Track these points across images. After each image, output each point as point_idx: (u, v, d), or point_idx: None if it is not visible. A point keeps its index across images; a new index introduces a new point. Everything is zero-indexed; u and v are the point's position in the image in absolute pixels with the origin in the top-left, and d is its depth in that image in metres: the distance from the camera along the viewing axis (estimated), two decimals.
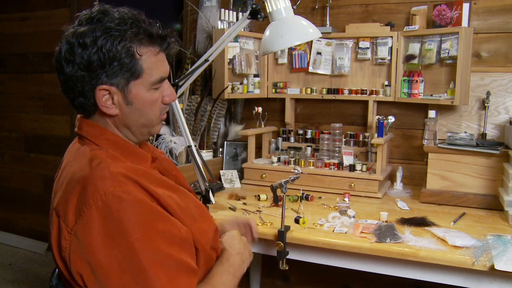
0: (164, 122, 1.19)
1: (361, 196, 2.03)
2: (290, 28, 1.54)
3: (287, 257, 1.51)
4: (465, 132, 2.06)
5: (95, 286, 0.90)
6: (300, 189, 1.93)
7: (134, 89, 1.02)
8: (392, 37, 2.20)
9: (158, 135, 2.24)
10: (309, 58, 2.40)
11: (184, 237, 0.99)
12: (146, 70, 1.02)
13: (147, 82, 1.03)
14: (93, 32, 0.97)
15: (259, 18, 1.68)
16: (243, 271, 1.19)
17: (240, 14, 2.40)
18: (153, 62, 1.03)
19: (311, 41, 2.35)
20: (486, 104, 2.09)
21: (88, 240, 0.90)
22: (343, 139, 2.28)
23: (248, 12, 1.69)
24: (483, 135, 2.09)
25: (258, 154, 2.44)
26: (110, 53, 0.97)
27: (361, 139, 2.29)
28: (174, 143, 2.24)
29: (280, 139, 2.44)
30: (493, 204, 1.84)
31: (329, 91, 2.37)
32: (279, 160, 2.27)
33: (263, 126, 2.44)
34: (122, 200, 0.91)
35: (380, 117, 2.10)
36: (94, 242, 0.89)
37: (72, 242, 0.91)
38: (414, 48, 2.15)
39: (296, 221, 1.61)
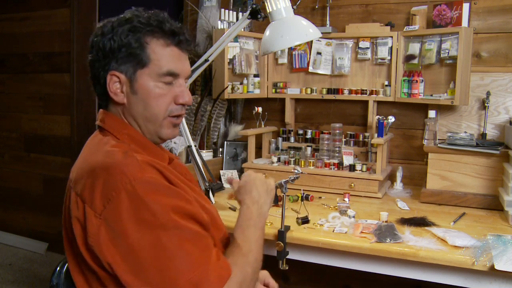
0: (183, 113, 1.15)
1: (361, 196, 2.03)
2: (290, 28, 1.54)
3: (287, 257, 1.51)
4: (465, 132, 2.06)
5: (126, 270, 0.90)
6: (300, 189, 1.92)
7: (141, 79, 1.05)
8: (392, 37, 2.20)
9: None
10: (309, 58, 2.40)
11: (207, 221, 1.02)
12: (154, 60, 1.05)
13: (154, 73, 1.06)
14: (112, 23, 1.06)
15: (259, 18, 1.68)
16: (265, 217, 1.21)
17: (240, 14, 2.40)
18: (162, 53, 1.06)
19: (311, 41, 2.35)
20: (486, 104, 2.09)
21: (119, 224, 0.91)
22: (343, 139, 2.28)
23: (248, 12, 1.69)
24: (483, 135, 2.09)
25: (258, 154, 2.44)
26: (120, 40, 1.03)
27: (361, 139, 2.29)
28: (174, 143, 2.24)
29: (280, 139, 2.44)
30: (493, 204, 1.84)
31: (329, 91, 2.37)
32: (279, 160, 2.27)
33: (263, 126, 2.44)
34: (151, 184, 0.94)
35: (380, 117, 2.10)
36: (126, 226, 0.90)
37: (101, 227, 0.92)
38: (414, 48, 2.15)
39: (305, 222, 1.61)
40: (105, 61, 1.05)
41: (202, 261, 0.93)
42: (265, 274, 1.39)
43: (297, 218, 1.62)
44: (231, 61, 2.35)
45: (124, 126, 1.09)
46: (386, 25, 2.25)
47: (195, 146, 1.91)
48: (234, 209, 1.82)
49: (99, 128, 1.13)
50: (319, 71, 2.40)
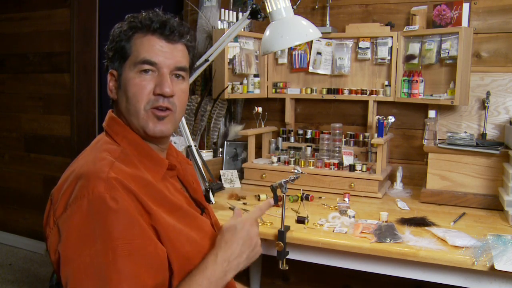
0: (164, 104, 1.08)
1: (361, 196, 2.03)
2: (290, 28, 1.54)
3: (287, 257, 1.51)
4: (465, 132, 2.06)
5: (63, 277, 0.90)
6: (300, 189, 1.93)
7: (124, 73, 1.08)
8: (392, 37, 2.20)
9: None
10: (309, 58, 2.40)
11: (158, 257, 0.94)
12: (134, 51, 1.06)
13: (132, 63, 1.06)
14: (118, 27, 1.11)
15: (259, 18, 1.68)
16: (233, 273, 1.05)
17: (240, 14, 2.40)
18: (140, 42, 1.06)
19: (311, 41, 2.35)
20: (486, 104, 2.09)
21: (65, 233, 0.90)
22: (343, 139, 2.28)
23: (248, 12, 1.69)
24: (483, 135, 2.09)
25: (258, 154, 2.44)
26: (113, 39, 1.09)
27: (361, 139, 2.29)
28: (174, 143, 2.24)
29: (280, 139, 2.44)
30: (493, 204, 1.84)
31: (329, 91, 2.37)
32: (279, 160, 2.27)
33: (263, 126, 2.44)
34: (107, 206, 0.90)
35: (380, 117, 2.10)
36: (70, 236, 0.89)
37: (52, 232, 0.93)
38: (414, 48, 2.15)
39: (300, 222, 1.61)
40: (106, 61, 1.13)
41: None
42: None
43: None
44: (231, 61, 2.35)
45: (123, 128, 1.08)
46: (386, 25, 2.25)
47: (195, 146, 1.91)
48: (234, 209, 1.82)
49: (105, 130, 1.13)
50: (319, 71, 2.39)
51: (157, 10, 1.11)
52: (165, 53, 1.07)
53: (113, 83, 1.10)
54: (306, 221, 1.61)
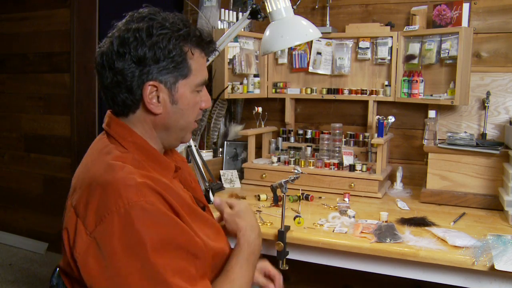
0: (204, 119, 1.19)
1: (361, 196, 2.03)
2: (290, 28, 1.55)
3: (287, 257, 1.51)
4: (465, 132, 2.06)
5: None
6: (299, 189, 1.93)
7: (181, 89, 1.05)
8: (392, 37, 2.20)
9: None
10: (309, 58, 2.40)
11: (200, 249, 0.99)
12: (194, 71, 1.05)
13: (193, 83, 1.06)
14: (149, 29, 0.99)
15: (259, 18, 1.68)
16: (257, 258, 1.19)
17: (240, 14, 2.40)
18: (199, 64, 1.07)
19: (311, 41, 2.35)
20: (486, 104, 2.09)
21: (108, 247, 0.89)
22: (343, 139, 2.28)
23: (248, 12, 1.69)
24: (483, 135, 2.09)
25: (258, 154, 2.44)
26: (165, 50, 1.00)
27: (361, 139, 2.29)
28: None
29: (280, 139, 2.44)
30: (493, 204, 1.84)
31: (329, 91, 2.37)
32: (279, 160, 2.27)
33: (263, 126, 2.44)
34: (145, 211, 0.90)
35: (380, 117, 2.10)
36: (114, 250, 0.88)
37: (90, 246, 0.90)
38: (414, 48, 2.15)
39: (294, 218, 1.62)
40: (143, 70, 1.00)
41: None
42: (265, 264, 1.36)
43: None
44: (231, 61, 2.35)
45: (130, 133, 1.06)
46: (386, 25, 2.25)
47: (195, 146, 1.91)
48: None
49: (105, 132, 1.10)
50: (319, 71, 2.39)
51: (189, 20, 1.11)
52: (206, 69, 1.12)
53: (156, 97, 1.03)
54: (297, 217, 1.60)
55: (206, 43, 1.08)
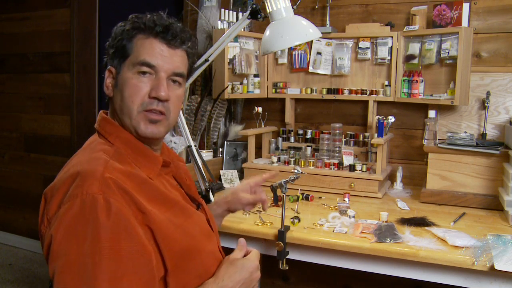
0: (158, 108, 1.08)
1: (361, 196, 2.03)
2: (290, 28, 1.54)
3: (287, 257, 1.51)
4: (465, 132, 2.06)
5: (50, 273, 0.91)
6: (299, 189, 1.92)
7: (123, 71, 1.08)
8: (392, 37, 2.20)
9: None
10: (309, 58, 2.40)
11: (145, 264, 0.93)
12: (134, 52, 1.07)
13: (131, 63, 1.06)
14: (121, 25, 1.10)
15: (259, 18, 1.68)
16: None
17: (240, 14, 2.40)
18: (141, 44, 1.06)
19: (311, 41, 2.35)
20: (486, 104, 2.09)
21: (55, 230, 0.90)
22: (343, 139, 2.28)
23: (248, 12, 1.69)
24: (483, 135, 2.09)
25: (258, 154, 2.44)
26: (115, 39, 1.09)
27: (361, 139, 2.29)
28: (174, 143, 2.24)
29: (280, 139, 2.44)
30: (493, 204, 1.84)
31: (329, 91, 2.37)
32: (279, 160, 2.27)
33: (263, 126, 2.44)
34: (99, 205, 0.90)
35: (380, 117, 2.10)
36: (59, 233, 0.90)
37: (47, 228, 0.94)
38: (414, 48, 2.15)
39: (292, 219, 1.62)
40: (106, 57, 1.12)
41: None
42: (247, 181, 1.44)
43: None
44: (231, 61, 2.35)
45: (116, 128, 1.08)
46: (386, 25, 2.25)
47: (195, 146, 1.91)
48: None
49: (97, 131, 1.13)
50: (319, 71, 2.39)
51: (162, 13, 1.11)
52: (165, 57, 1.07)
53: (111, 80, 1.10)
54: (294, 221, 1.61)
55: (150, 25, 1.06)
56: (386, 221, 1.63)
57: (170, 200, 1.06)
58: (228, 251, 1.20)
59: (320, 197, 2.01)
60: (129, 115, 1.06)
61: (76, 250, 0.88)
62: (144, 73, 1.05)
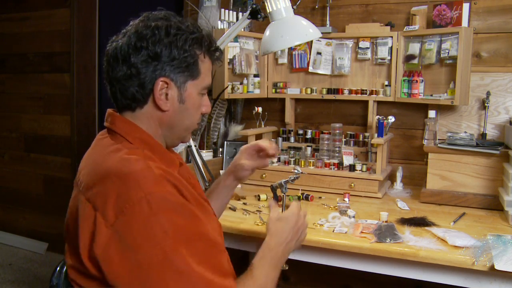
0: (204, 119, 1.24)
1: (361, 196, 2.03)
2: (290, 28, 1.54)
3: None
4: (465, 132, 2.06)
5: (131, 284, 0.89)
6: (299, 189, 1.92)
7: (189, 89, 1.08)
8: (392, 37, 2.20)
9: None
10: (309, 58, 2.40)
11: (220, 243, 1.02)
12: (202, 74, 1.09)
13: (200, 85, 1.10)
14: (168, 28, 1.04)
15: (259, 18, 1.68)
16: (284, 260, 1.21)
17: (240, 14, 2.40)
18: (207, 68, 1.11)
19: (311, 41, 2.35)
20: (486, 104, 2.09)
21: (130, 238, 0.89)
22: (343, 139, 2.28)
23: (248, 12, 1.69)
24: (483, 135, 2.09)
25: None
26: (180, 49, 1.04)
27: (361, 139, 2.29)
28: None
29: (280, 139, 2.44)
30: (493, 204, 1.84)
31: (329, 91, 2.37)
32: (279, 160, 2.27)
33: (263, 126, 2.44)
34: (166, 200, 0.92)
35: (380, 117, 2.10)
36: (136, 240, 0.89)
37: (112, 239, 0.90)
38: (414, 48, 2.15)
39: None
40: (157, 66, 1.03)
41: (209, 282, 0.92)
42: (248, 145, 1.44)
43: None
44: (231, 61, 2.35)
45: (136, 129, 1.07)
46: (386, 25, 2.25)
47: (195, 146, 1.91)
48: (234, 209, 1.83)
49: (108, 130, 1.10)
50: (319, 71, 2.39)
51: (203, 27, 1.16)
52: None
53: (171, 93, 1.06)
54: None
55: (214, 50, 1.12)
56: (386, 221, 1.63)
57: (198, 198, 1.08)
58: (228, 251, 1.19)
59: (320, 197, 2.01)
60: (188, 131, 1.14)
61: (161, 248, 0.89)
62: (203, 94, 1.13)
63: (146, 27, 1.04)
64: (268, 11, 1.58)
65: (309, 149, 2.32)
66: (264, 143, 1.41)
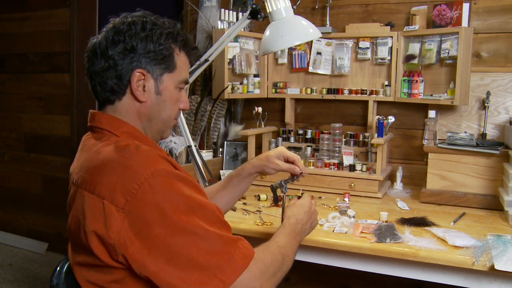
0: (181, 117, 1.26)
1: (361, 196, 2.03)
2: (290, 28, 1.54)
3: None
4: (465, 132, 2.06)
5: (154, 261, 0.91)
6: (299, 189, 1.92)
7: (166, 82, 1.11)
8: (392, 37, 2.20)
9: None
10: (309, 58, 2.40)
11: (221, 209, 1.05)
12: (178, 68, 1.12)
13: (176, 79, 1.12)
14: (144, 24, 1.08)
15: (259, 18, 1.68)
16: (303, 237, 1.26)
17: (240, 14, 2.40)
18: (183, 62, 1.14)
19: (311, 41, 2.35)
20: (486, 104, 2.09)
21: (143, 218, 0.91)
22: (343, 139, 2.28)
23: (248, 12, 1.69)
24: (483, 135, 2.09)
25: (258, 154, 2.43)
26: (156, 43, 1.07)
27: (361, 139, 2.29)
28: (174, 143, 2.24)
29: (280, 139, 2.43)
30: (493, 204, 1.84)
31: (329, 91, 2.37)
32: None
33: (263, 126, 2.44)
34: (171, 174, 0.96)
35: (380, 117, 2.10)
36: (151, 217, 0.91)
37: (125, 221, 0.91)
38: (414, 48, 2.15)
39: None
40: (134, 58, 1.07)
41: (227, 242, 0.95)
42: (281, 149, 1.49)
43: None
44: (231, 61, 2.35)
45: (122, 123, 1.09)
46: (386, 25, 2.25)
47: (195, 146, 1.91)
48: (234, 209, 1.83)
49: (91, 130, 1.14)
50: (319, 71, 2.39)
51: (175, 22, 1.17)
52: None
53: (142, 86, 1.08)
54: None
55: (191, 48, 1.17)
56: (386, 221, 1.63)
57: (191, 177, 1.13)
58: None
59: (320, 197, 2.01)
60: (167, 123, 1.15)
61: (180, 220, 0.92)
62: (181, 88, 1.15)
63: (123, 22, 1.09)
64: (268, 11, 1.58)
65: (309, 149, 2.32)
66: (301, 162, 1.48)
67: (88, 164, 1.03)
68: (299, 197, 1.92)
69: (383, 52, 2.23)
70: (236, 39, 2.32)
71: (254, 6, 1.67)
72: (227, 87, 2.29)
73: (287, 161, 1.47)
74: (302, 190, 1.97)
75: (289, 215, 1.26)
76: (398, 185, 2.14)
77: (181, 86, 1.15)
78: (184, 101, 1.18)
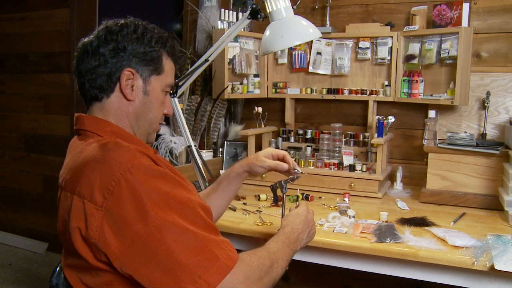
0: (164, 122, 1.28)
1: (361, 196, 2.03)
2: (290, 28, 1.54)
3: None
4: (465, 132, 2.06)
5: (132, 260, 0.90)
6: (298, 189, 1.92)
7: (153, 83, 1.13)
8: (392, 37, 2.20)
9: (158, 135, 2.24)
10: (309, 58, 2.40)
11: (207, 205, 1.04)
12: (165, 72, 1.15)
13: (164, 82, 1.15)
14: (136, 27, 1.12)
15: (259, 18, 1.68)
16: (299, 246, 1.24)
17: (240, 14, 2.40)
18: (170, 67, 1.18)
19: (311, 41, 2.35)
20: (486, 104, 2.09)
21: (122, 214, 0.90)
22: (343, 139, 2.28)
23: (248, 12, 1.69)
24: (483, 135, 2.09)
25: None
26: (146, 45, 1.11)
27: (361, 139, 2.29)
28: (174, 143, 2.24)
29: (280, 139, 2.43)
30: (493, 204, 1.84)
31: (329, 91, 2.37)
32: None
33: (263, 126, 2.44)
34: (149, 169, 0.95)
35: (380, 117, 2.10)
36: (129, 215, 0.90)
37: (104, 219, 0.91)
38: (414, 48, 2.15)
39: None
40: (124, 57, 1.09)
41: (209, 242, 0.93)
42: (268, 149, 1.48)
43: None
44: (231, 61, 2.35)
45: (106, 123, 1.11)
46: (386, 25, 2.25)
47: (195, 146, 1.91)
48: (234, 209, 1.82)
49: (77, 132, 1.15)
50: (319, 71, 2.39)
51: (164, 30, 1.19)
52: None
53: (131, 86, 1.10)
54: None
55: (178, 56, 1.21)
56: (386, 221, 1.63)
57: (175, 173, 1.10)
58: None
59: (320, 197, 2.01)
60: (151, 125, 1.17)
61: (152, 217, 0.90)
62: (166, 92, 1.18)
63: (116, 24, 1.13)
64: (268, 11, 1.58)
65: (309, 149, 2.32)
66: (290, 158, 1.46)
67: (71, 165, 1.04)
68: (298, 197, 1.92)
69: (383, 52, 2.23)
70: (236, 39, 2.32)
71: (254, 6, 1.67)
72: (227, 87, 2.29)
73: (278, 159, 1.46)
74: (302, 190, 1.97)
75: (284, 225, 1.25)
76: (398, 185, 2.14)
77: (167, 90, 1.17)
78: (169, 106, 1.20)
